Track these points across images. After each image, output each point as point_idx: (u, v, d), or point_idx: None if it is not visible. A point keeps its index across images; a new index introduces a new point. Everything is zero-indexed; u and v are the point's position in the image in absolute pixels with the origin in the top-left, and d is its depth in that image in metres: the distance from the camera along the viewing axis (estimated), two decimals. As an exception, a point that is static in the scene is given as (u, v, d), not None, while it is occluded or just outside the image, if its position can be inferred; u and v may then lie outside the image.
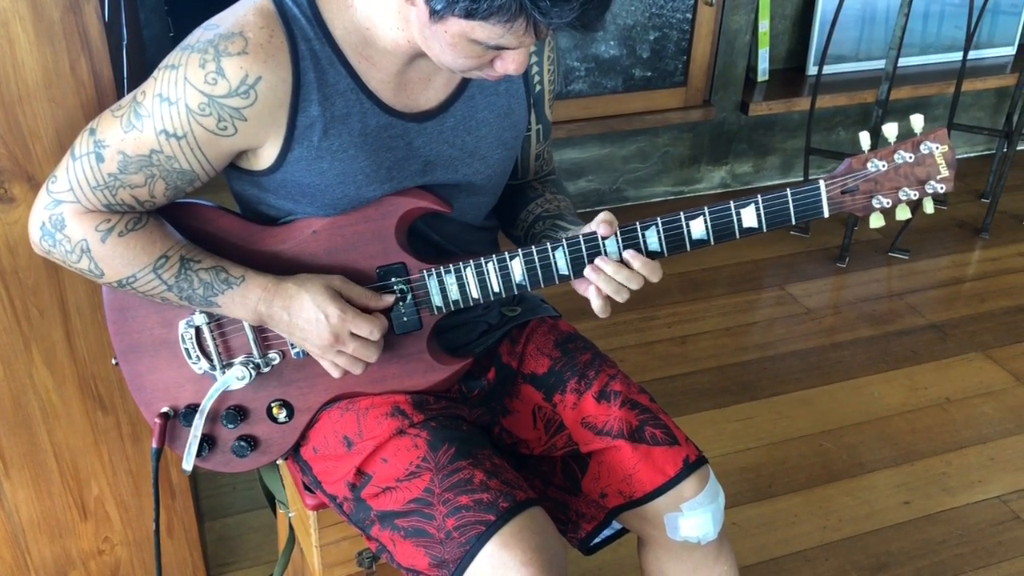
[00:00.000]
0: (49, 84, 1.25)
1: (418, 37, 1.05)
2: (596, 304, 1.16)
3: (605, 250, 1.15)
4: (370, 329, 1.15)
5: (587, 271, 1.15)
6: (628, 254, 1.14)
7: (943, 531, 2.02)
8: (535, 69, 1.25)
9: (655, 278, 1.15)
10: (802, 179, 3.21)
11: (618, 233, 1.15)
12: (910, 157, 1.11)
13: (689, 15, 3.03)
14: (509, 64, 1.04)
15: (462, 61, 1.04)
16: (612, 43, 3.00)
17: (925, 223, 3.21)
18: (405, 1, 1.01)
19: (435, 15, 0.98)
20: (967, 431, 2.31)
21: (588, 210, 3.23)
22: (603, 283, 1.15)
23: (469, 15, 0.96)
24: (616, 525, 1.33)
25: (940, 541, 2.00)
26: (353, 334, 1.15)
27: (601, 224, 1.14)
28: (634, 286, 1.15)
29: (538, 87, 1.27)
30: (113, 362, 1.27)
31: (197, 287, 1.14)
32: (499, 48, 1.01)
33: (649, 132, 3.18)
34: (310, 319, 1.13)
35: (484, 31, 0.98)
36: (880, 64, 3.11)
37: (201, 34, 1.06)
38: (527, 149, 1.33)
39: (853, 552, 1.97)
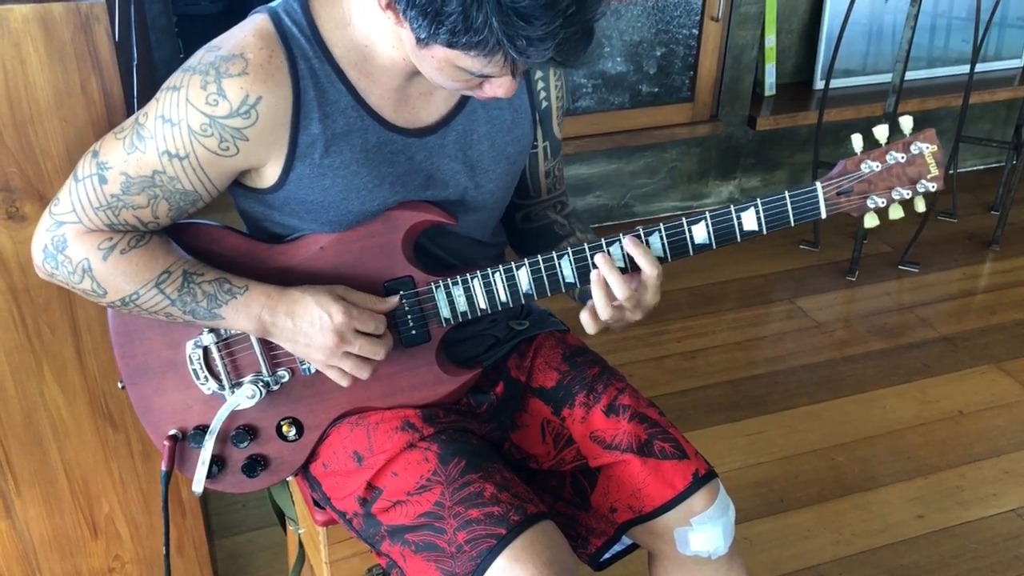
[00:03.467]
0: (60, 103, 1.26)
1: (411, 56, 1.06)
2: (583, 314, 1.17)
3: (610, 256, 1.16)
4: (375, 324, 1.15)
5: (593, 276, 1.15)
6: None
7: (958, 545, 2.01)
8: (540, 85, 1.26)
9: (653, 273, 1.15)
10: (811, 193, 3.21)
11: (623, 239, 1.15)
12: (902, 157, 1.14)
13: (695, 31, 3.04)
14: (498, 89, 1.05)
15: (451, 83, 1.06)
16: (619, 59, 3.01)
17: (935, 235, 3.20)
18: (395, 23, 1.02)
19: (420, 42, 0.99)
20: (981, 444, 2.30)
21: (596, 226, 3.24)
22: (596, 291, 1.14)
23: (450, 45, 0.97)
24: (626, 540, 1.33)
25: (955, 555, 1.98)
26: (358, 332, 1.14)
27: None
28: (620, 293, 1.14)
29: (544, 103, 1.27)
30: (120, 385, 1.27)
31: (200, 299, 1.14)
32: (483, 76, 1.02)
33: (656, 147, 3.19)
34: (314, 320, 1.13)
35: (467, 60, 0.99)
36: (887, 77, 3.11)
37: (203, 55, 1.08)
38: (535, 167, 1.33)
39: (867, 567, 1.95)
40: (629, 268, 1.16)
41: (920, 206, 1.16)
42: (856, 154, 1.15)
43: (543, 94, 1.26)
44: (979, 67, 3.02)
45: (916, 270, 3.03)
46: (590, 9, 0.95)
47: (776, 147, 3.36)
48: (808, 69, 3.32)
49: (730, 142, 3.27)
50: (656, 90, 3.10)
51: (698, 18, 3.01)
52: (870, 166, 1.14)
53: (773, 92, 3.27)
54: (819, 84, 3.24)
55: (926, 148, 1.13)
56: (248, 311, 1.15)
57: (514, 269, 1.18)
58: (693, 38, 3.05)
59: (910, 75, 3.00)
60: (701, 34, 3.04)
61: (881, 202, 1.15)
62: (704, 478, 1.25)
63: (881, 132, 1.13)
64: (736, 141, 3.28)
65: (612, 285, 1.14)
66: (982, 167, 3.74)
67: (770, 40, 3.17)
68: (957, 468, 2.22)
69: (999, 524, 2.06)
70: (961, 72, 3.26)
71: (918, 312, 2.83)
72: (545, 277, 1.18)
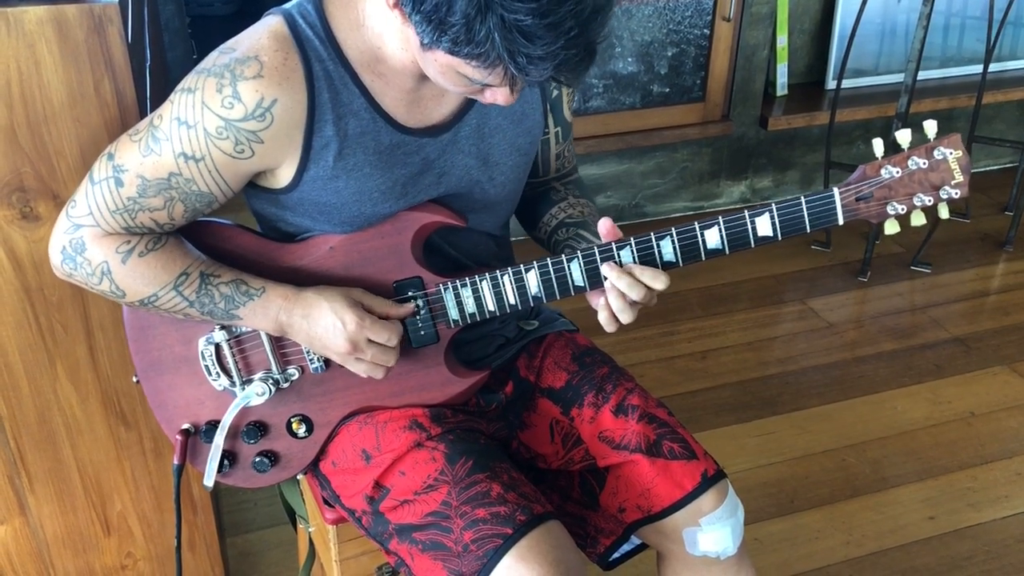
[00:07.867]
0: (74, 104, 1.27)
1: (417, 57, 1.07)
2: (602, 316, 1.16)
3: (620, 260, 1.15)
4: (388, 336, 1.16)
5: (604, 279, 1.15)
6: (630, 266, 1.14)
7: (969, 547, 2.00)
8: None
9: (658, 285, 1.13)
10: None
11: (633, 243, 1.15)
12: (924, 163, 1.10)
13: (707, 31, 3.03)
14: (499, 96, 1.05)
15: (453, 87, 1.06)
16: (630, 59, 3.01)
17: (948, 236, 3.19)
18: (403, 24, 1.02)
19: (424, 45, 1.00)
20: (992, 445, 2.29)
21: (607, 226, 3.23)
22: (612, 298, 1.14)
23: (453, 53, 0.98)
24: (635, 540, 1.33)
25: (966, 557, 1.97)
26: (371, 341, 1.16)
27: (603, 227, 1.15)
28: (635, 295, 1.13)
29: (555, 92, 1.27)
30: (134, 379, 1.28)
31: (218, 301, 1.15)
32: (484, 84, 1.03)
33: (668, 148, 3.19)
34: (328, 326, 1.14)
35: (468, 69, 0.99)
36: (900, 77, 3.10)
37: (217, 58, 1.08)
38: (547, 152, 1.33)
39: (877, 568, 1.94)
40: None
41: (944, 213, 1.12)
42: (876, 159, 1.11)
43: (553, 83, 1.26)
44: (993, 67, 3.00)
45: (928, 271, 3.02)
46: (593, 32, 0.96)
47: (788, 147, 3.35)
48: (820, 69, 3.31)
49: (741, 142, 3.26)
50: (667, 90, 3.10)
51: (709, 18, 3.01)
52: (890, 171, 1.10)
53: (785, 92, 3.26)
54: (831, 84, 3.23)
55: (950, 153, 1.09)
56: (265, 312, 1.16)
57: (523, 271, 1.18)
58: (704, 38, 3.04)
59: (923, 75, 2.99)
60: (712, 34, 3.03)
61: (902, 209, 1.12)
62: (713, 478, 1.25)
63: (904, 137, 1.10)
64: (748, 141, 3.27)
65: (626, 291, 1.13)
66: (995, 167, 3.71)
67: (782, 40, 3.17)
68: (969, 469, 2.21)
69: (1011, 526, 2.05)
70: (974, 72, 3.24)
71: (930, 313, 2.82)
72: (554, 279, 1.18)
